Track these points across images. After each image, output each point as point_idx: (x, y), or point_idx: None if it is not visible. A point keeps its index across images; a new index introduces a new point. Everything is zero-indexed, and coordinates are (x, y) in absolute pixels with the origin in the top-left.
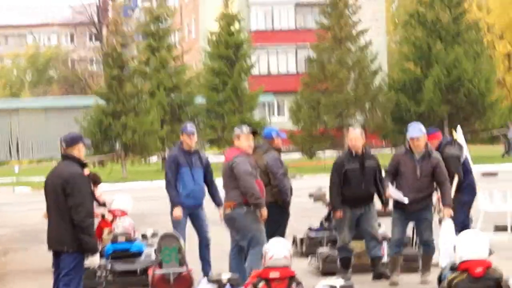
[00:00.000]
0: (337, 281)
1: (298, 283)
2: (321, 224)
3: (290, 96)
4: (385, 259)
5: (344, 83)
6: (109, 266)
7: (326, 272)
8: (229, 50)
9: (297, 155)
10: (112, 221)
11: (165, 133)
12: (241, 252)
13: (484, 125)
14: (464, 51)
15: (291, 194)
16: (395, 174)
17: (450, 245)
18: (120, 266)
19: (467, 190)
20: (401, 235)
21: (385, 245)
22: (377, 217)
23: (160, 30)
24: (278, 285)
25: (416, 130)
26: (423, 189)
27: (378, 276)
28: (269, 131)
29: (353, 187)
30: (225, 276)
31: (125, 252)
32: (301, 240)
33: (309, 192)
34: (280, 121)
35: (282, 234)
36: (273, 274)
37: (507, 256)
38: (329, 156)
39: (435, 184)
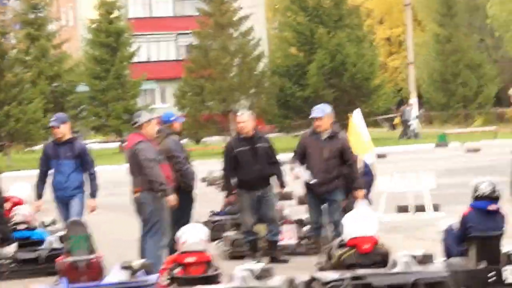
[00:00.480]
0: (257, 264)
1: (216, 268)
2: (224, 207)
3: (172, 83)
4: (291, 242)
5: (228, 69)
6: (10, 255)
7: (235, 256)
8: (110, 38)
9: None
10: (9, 210)
11: (49, 122)
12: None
13: (369, 108)
14: (347, 36)
15: (194, 178)
16: (302, 156)
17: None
18: (23, 255)
19: (366, 172)
20: (317, 217)
21: (290, 228)
22: (276, 199)
23: (38, 18)
24: (195, 270)
25: (318, 111)
26: (331, 170)
27: (273, 260)
28: (167, 116)
29: (245, 170)
30: (138, 262)
31: (26, 240)
32: (204, 224)
33: (201, 177)
34: (163, 108)
35: (187, 219)
36: (189, 259)
37: (409, 235)
38: (215, 141)
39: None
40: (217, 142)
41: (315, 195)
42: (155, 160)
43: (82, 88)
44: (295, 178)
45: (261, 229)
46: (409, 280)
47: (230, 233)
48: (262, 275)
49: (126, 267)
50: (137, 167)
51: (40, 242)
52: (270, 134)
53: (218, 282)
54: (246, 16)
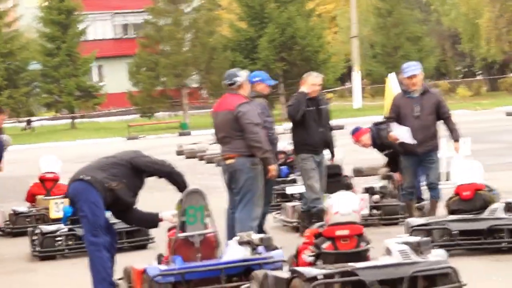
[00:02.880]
0: (412, 237)
1: (368, 242)
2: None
3: (123, 60)
4: (364, 212)
5: (181, 44)
6: (67, 231)
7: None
8: (61, 15)
9: (136, 116)
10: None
11: (4, 99)
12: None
13: None
14: (297, 10)
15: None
16: (397, 118)
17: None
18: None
19: None
20: (413, 180)
21: (362, 197)
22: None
23: None
24: (346, 244)
25: (413, 68)
26: (428, 128)
27: None
28: (252, 76)
29: (311, 131)
30: (256, 236)
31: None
32: None
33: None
34: (114, 84)
35: (270, 191)
36: (341, 232)
37: None
38: (167, 116)
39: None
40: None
41: (410, 159)
42: (260, 125)
43: (35, 65)
44: (394, 140)
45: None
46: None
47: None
48: (421, 249)
49: (245, 242)
50: (237, 131)
51: None
52: None
53: (368, 258)
54: None
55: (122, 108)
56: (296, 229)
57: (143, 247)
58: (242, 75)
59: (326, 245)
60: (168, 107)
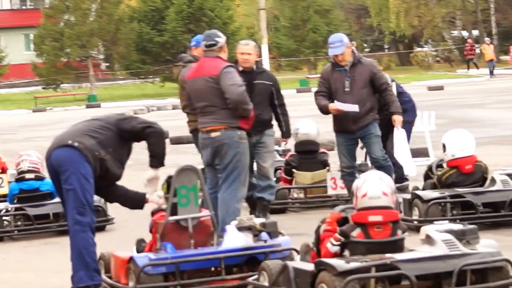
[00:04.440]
0: (456, 224)
1: (404, 229)
2: None
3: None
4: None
5: (87, 15)
6: (14, 210)
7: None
8: None
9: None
10: None
11: None
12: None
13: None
14: None
15: None
16: (329, 94)
17: (406, 153)
18: (32, 210)
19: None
20: (348, 162)
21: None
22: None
23: None
24: (379, 232)
25: (336, 48)
26: (362, 103)
27: None
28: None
29: None
30: (257, 220)
31: (34, 192)
32: None
33: None
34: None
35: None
36: (374, 218)
37: None
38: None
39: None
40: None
41: (345, 136)
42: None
43: None
44: (336, 112)
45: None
46: (508, 197)
47: None
48: (466, 238)
49: (245, 228)
50: (223, 99)
51: (50, 194)
52: (127, 81)
53: (403, 248)
54: None
55: (24, 80)
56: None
57: (101, 228)
58: (223, 36)
59: (356, 233)
60: (73, 79)
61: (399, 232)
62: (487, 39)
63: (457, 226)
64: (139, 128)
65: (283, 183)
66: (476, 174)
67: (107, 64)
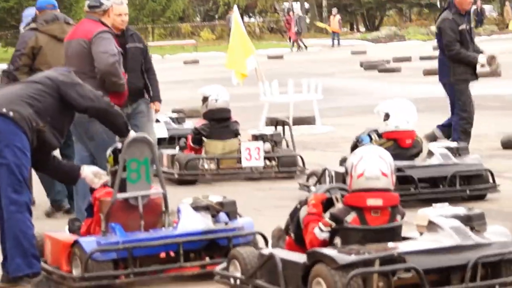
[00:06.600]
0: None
1: (403, 214)
2: None
3: None
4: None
5: None
6: None
7: None
8: None
9: None
10: None
11: None
12: None
13: None
14: None
15: None
16: None
17: None
18: None
19: None
20: None
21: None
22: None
23: None
24: (377, 218)
25: None
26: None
27: None
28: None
29: None
30: (214, 198)
31: None
32: None
33: None
34: None
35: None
36: (374, 202)
37: None
38: None
39: None
40: None
41: None
42: (118, 62)
43: None
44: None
45: None
46: (449, 172)
47: None
48: (473, 224)
49: (202, 207)
50: (92, 66)
51: None
52: None
53: (400, 235)
54: None
55: None
56: (178, 182)
57: None
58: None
59: (351, 218)
60: None
61: (398, 217)
62: (334, 10)
63: (461, 210)
64: (81, 107)
65: (189, 151)
66: (413, 149)
67: None
